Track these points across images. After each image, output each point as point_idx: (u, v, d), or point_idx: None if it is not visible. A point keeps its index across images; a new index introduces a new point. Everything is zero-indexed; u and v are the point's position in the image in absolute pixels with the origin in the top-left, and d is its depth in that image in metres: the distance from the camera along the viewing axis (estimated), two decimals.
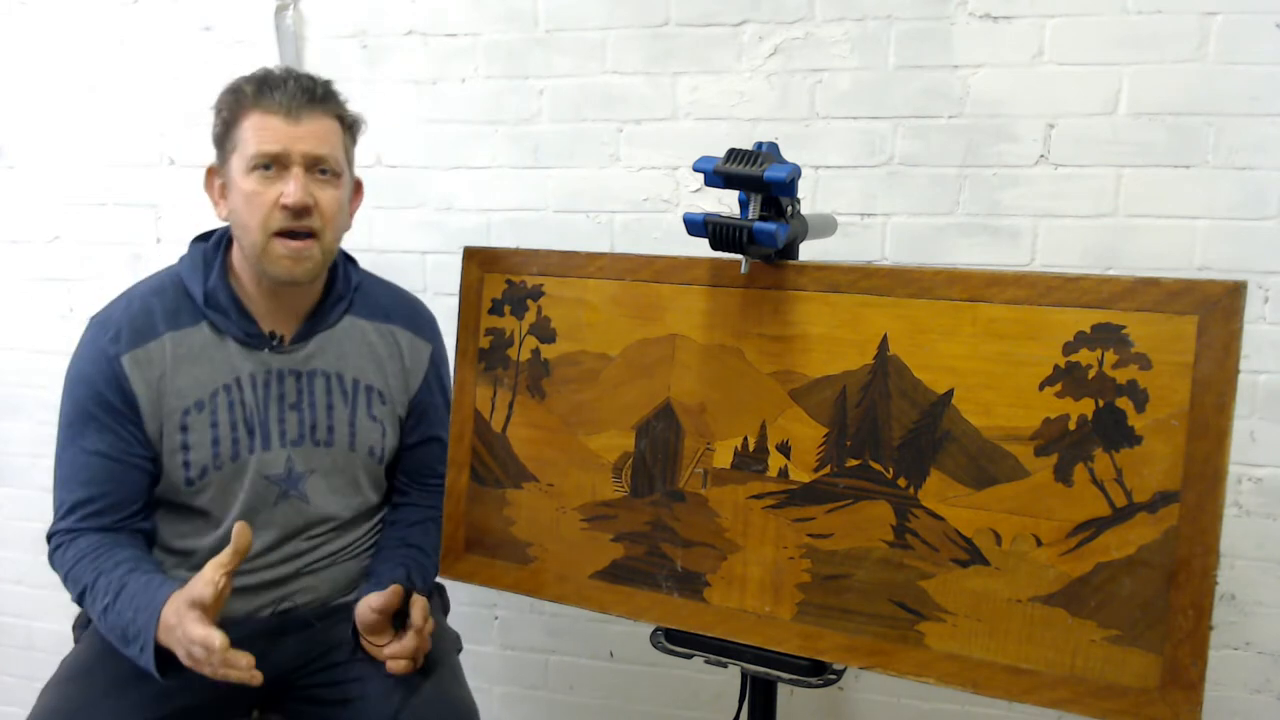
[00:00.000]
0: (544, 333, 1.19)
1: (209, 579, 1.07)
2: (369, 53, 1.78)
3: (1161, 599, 0.91)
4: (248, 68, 1.55)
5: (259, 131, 1.20)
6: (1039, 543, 0.95)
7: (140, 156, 1.91)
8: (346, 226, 1.31)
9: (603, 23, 1.67)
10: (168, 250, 1.92)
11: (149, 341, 1.25)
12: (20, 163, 1.98)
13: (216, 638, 1.04)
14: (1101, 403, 0.93)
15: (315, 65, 1.79)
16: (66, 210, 1.98)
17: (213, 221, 1.36)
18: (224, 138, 1.24)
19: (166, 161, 1.90)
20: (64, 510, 1.26)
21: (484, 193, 1.78)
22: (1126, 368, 0.92)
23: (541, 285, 1.20)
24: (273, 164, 1.20)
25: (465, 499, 1.24)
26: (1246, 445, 1.54)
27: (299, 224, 1.20)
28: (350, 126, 1.29)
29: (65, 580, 1.25)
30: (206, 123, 1.73)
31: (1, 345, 2.07)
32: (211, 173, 1.28)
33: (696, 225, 1.03)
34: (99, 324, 1.27)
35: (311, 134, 1.21)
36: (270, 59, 1.79)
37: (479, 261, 1.23)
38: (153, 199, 1.92)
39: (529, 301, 1.20)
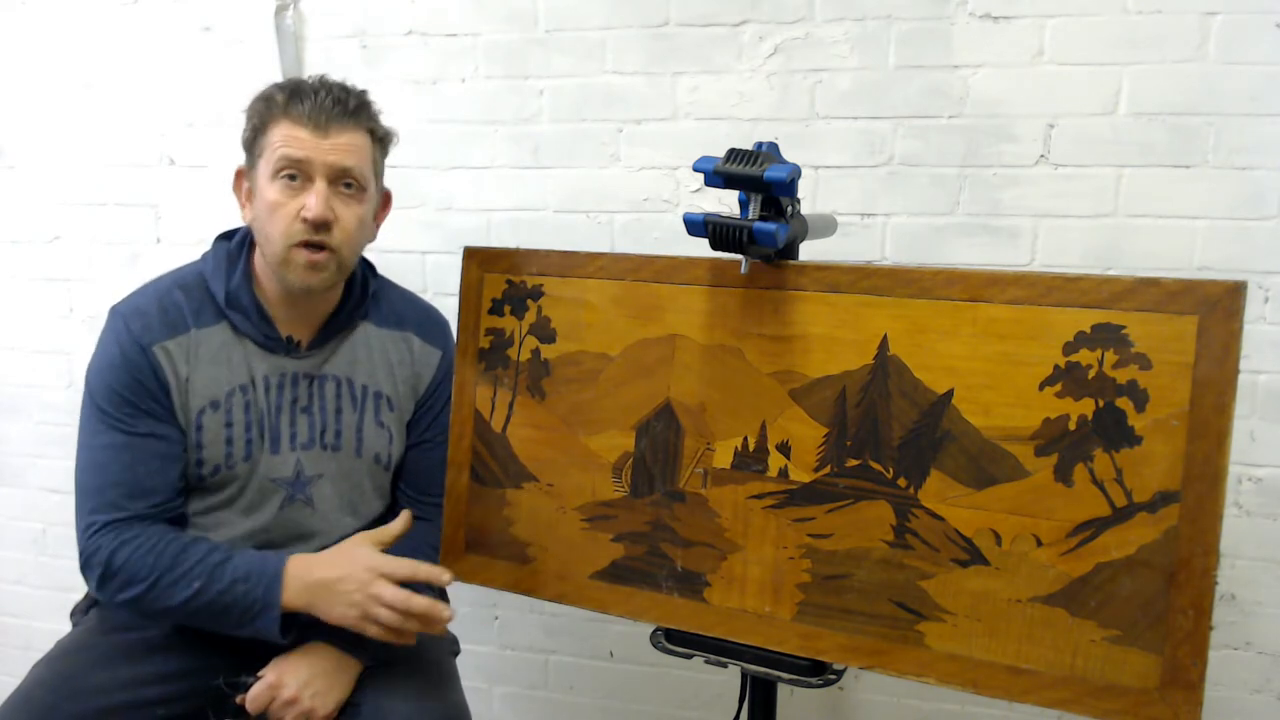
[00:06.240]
0: (544, 333, 1.19)
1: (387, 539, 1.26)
2: (369, 53, 1.78)
3: (1161, 599, 0.91)
4: (247, 68, 1.54)
5: (285, 139, 1.20)
6: (1039, 543, 0.95)
7: (140, 156, 1.91)
8: (370, 239, 1.31)
9: (603, 23, 1.67)
10: (168, 250, 1.92)
11: (179, 335, 1.25)
12: (20, 163, 1.98)
13: (445, 609, 1.20)
14: (1101, 403, 0.93)
15: (315, 65, 1.79)
16: (66, 210, 1.97)
17: (215, 221, 1.36)
18: (253, 143, 1.24)
19: (166, 161, 1.90)
20: (106, 502, 1.21)
21: (484, 193, 1.78)
22: (1126, 368, 0.92)
23: (541, 285, 1.20)
24: (297, 174, 1.20)
25: (465, 499, 1.24)
26: (1246, 445, 1.54)
27: (317, 237, 1.21)
28: (382, 139, 1.29)
29: (117, 574, 1.18)
30: (206, 123, 1.73)
31: (1, 345, 2.07)
32: (240, 175, 1.28)
33: (696, 225, 1.03)
34: (126, 314, 1.26)
35: (337, 147, 1.21)
36: (270, 59, 1.79)
37: (479, 261, 1.24)
38: (152, 199, 1.92)
39: (529, 301, 1.20)
